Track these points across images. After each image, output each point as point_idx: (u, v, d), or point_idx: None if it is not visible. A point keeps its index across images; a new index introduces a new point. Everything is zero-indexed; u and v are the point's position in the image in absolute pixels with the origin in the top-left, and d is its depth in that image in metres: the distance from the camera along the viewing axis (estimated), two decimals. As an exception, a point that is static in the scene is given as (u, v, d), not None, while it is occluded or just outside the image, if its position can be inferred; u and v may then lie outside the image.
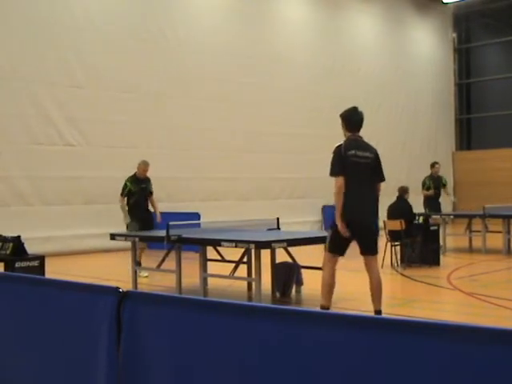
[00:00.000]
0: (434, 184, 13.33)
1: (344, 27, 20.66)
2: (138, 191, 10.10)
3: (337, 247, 6.07)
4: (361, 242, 6.12)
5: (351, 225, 5.97)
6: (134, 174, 10.25)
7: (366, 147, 6.18)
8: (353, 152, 6.01)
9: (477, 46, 25.68)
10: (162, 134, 15.56)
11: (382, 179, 6.27)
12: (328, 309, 5.85)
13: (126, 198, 10.12)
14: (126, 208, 10.07)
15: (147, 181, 10.27)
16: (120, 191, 10.17)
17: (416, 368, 1.88)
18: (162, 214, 10.47)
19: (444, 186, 13.60)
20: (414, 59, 23.20)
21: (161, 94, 15.57)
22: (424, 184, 13.37)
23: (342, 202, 5.95)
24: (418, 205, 13.06)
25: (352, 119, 6.20)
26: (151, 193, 10.32)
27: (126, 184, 10.11)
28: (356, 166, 6.02)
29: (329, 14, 20.13)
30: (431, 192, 13.23)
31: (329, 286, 6.04)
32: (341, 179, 5.92)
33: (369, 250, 6.10)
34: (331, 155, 6.08)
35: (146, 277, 9.84)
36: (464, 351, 1.81)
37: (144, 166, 10.26)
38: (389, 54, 22.13)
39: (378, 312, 5.98)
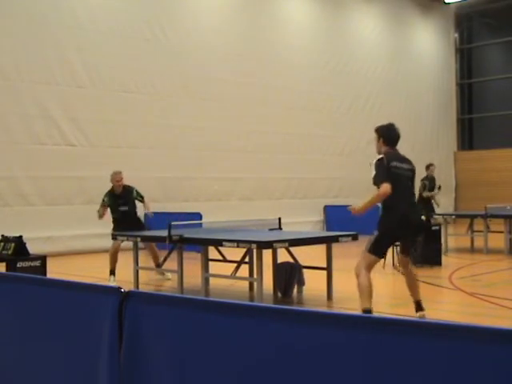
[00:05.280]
0: (432, 185, 13.40)
1: (346, 27, 20.65)
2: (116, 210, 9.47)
3: (379, 249, 6.20)
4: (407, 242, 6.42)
5: (404, 227, 6.17)
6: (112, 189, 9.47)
7: (405, 160, 6.36)
8: (394, 164, 6.17)
9: (478, 45, 25.65)
10: (163, 133, 15.55)
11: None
12: (371, 312, 5.84)
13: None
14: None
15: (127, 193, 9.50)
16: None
17: (416, 368, 1.88)
18: (162, 214, 10.41)
19: (439, 188, 13.59)
20: (415, 59, 23.18)
21: (162, 94, 15.57)
22: (425, 186, 13.24)
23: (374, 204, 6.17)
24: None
25: (390, 134, 6.38)
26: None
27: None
28: (399, 176, 6.15)
29: (331, 15, 20.12)
30: (435, 192, 13.29)
31: (369, 288, 6.00)
32: (387, 185, 5.96)
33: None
34: (373, 167, 6.18)
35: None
36: (465, 351, 1.81)
37: (116, 176, 9.37)
38: (391, 54, 22.12)
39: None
